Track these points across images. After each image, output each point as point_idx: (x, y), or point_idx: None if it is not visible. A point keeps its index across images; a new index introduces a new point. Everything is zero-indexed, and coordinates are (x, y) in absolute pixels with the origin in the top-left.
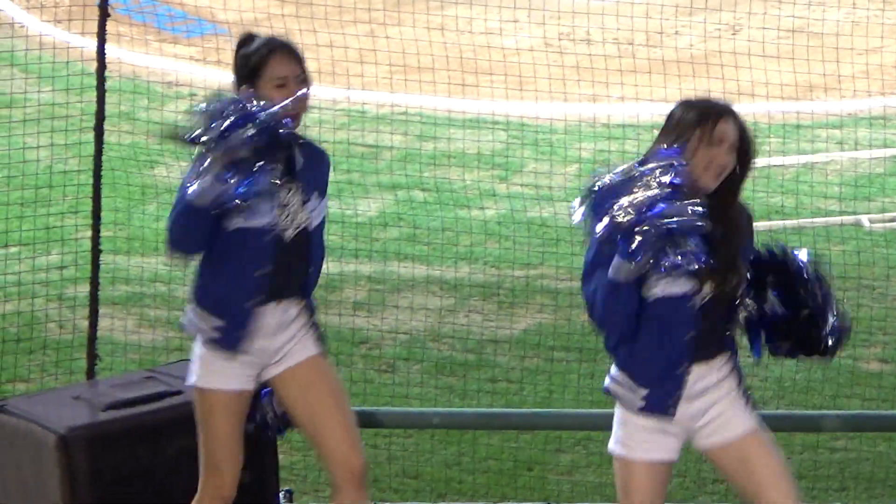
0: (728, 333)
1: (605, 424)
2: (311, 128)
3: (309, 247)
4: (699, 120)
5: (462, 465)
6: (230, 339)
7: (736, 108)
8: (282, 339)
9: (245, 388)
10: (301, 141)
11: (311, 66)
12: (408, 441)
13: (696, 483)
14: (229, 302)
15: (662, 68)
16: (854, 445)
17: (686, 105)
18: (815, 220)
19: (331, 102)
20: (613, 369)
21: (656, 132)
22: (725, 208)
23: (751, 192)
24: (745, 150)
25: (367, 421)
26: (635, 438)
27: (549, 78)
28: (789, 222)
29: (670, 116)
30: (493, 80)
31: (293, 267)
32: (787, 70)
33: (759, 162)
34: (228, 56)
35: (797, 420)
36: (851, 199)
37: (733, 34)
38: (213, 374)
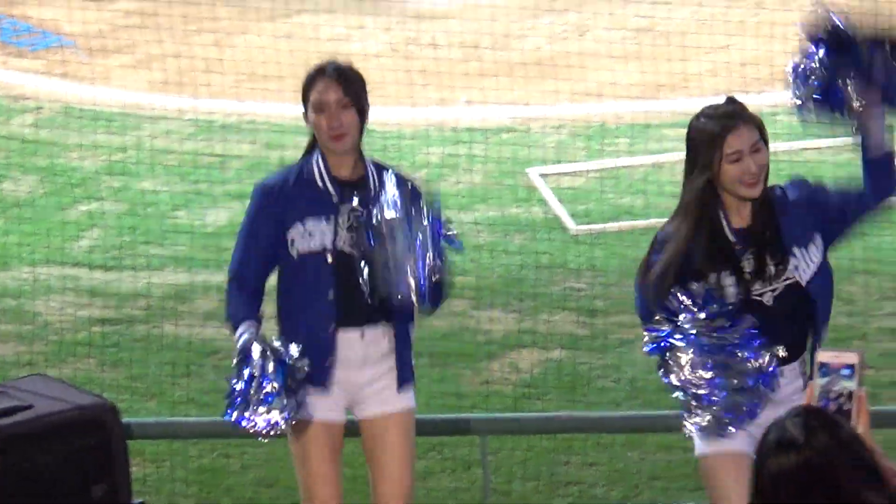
0: (808, 332)
1: (455, 429)
2: (159, 138)
3: None
4: (713, 141)
5: None
6: (317, 371)
7: (741, 101)
8: (369, 373)
9: (336, 419)
10: (385, 169)
11: (156, 76)
12: (260, 450)
13: (549, 486)
14: (306, 333)
15: (510, 71)
16: None
17: (697, 123)
18: (664, 220)
19: (177, 112)
20: None
21: (505, 136)
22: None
23: (599, 194)
24: (764, 138)
25: (219, 431)
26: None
27: (396, 83)
28: (639, 223)
29: (688, 138)
30: None
31: (361, 292)
32: (634, 70)
33: (608, 163)
34: (75, 68)
35: (652, 420)
36: None
37: (580, 35)
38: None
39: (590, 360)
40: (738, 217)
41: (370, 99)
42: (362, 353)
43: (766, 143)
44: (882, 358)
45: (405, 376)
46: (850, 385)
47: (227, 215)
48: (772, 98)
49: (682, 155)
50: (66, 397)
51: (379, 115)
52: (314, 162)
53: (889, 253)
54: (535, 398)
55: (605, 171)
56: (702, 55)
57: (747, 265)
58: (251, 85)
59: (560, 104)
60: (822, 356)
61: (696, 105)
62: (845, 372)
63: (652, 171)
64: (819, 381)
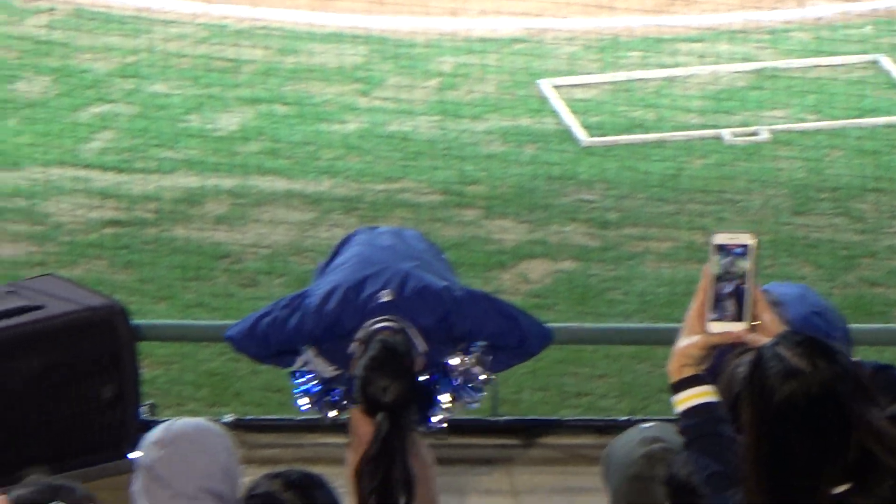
0: None
1: None
2: (171, 42)
3: None
4: None
5: None
6: None
7: None
8: None
9: None
10: None
11: None
12: None
13: (558, 397)
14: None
15: None
16: None
17: None
18: (675, 133)
19: (191, 16)
20: None
21: (517, 46)
22: None
23: (612, 106)
24: None
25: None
26: None
27: None
28: (650, 136)
29: None
30: None
31: None
32: None
33: (620, 76)
34: None
35: (661, 333)
36: (712, 113)
37: None
38: None
39: (600, 271)
40: None
41: (384, 7)
42: None
43: None
44: (892, 276)
45: None
46: (744, 265)
47: (238, 120)
48: (784, 15)
49: (695, 70)
50: (76, 298)
51: (390, 23)
52: None
53: None
54: (545, 308)
55: (618, 84)
56: None
57: None
58: None
59: (573, 16)
60: (718, 238)
61: (708, 20)
62: (739, 251)
63: (664, 85)
64: (715, 259)
